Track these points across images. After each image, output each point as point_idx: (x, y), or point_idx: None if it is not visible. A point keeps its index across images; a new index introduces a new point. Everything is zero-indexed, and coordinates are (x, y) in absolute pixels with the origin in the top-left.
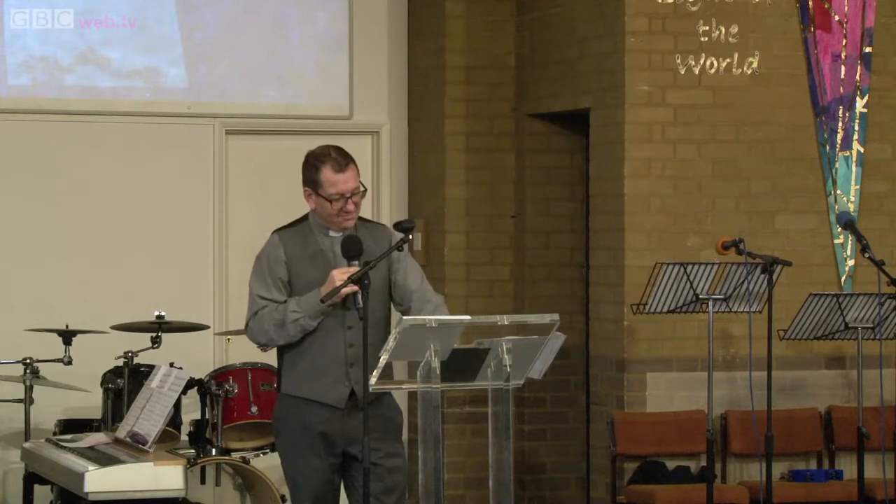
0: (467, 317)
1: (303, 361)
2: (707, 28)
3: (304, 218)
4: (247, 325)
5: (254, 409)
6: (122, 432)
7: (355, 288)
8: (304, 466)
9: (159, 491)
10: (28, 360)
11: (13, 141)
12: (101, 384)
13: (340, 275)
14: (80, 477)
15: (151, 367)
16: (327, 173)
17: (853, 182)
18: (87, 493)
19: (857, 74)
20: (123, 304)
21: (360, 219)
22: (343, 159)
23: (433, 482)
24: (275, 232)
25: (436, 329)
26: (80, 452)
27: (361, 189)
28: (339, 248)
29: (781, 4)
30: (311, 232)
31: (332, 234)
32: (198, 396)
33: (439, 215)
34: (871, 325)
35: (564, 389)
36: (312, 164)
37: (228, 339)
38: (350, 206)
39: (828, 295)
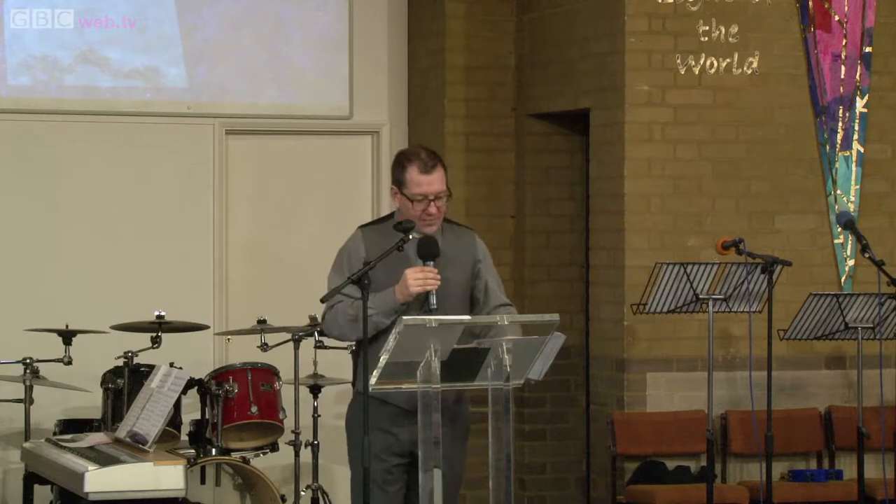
0: (467, 317)
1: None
2: (707, 28)
3: (391, 216)
4: (322, 317)
5: (254, 409)
6: (122, 432)
7: (430, 287)
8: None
9: (159, 491)
10: (28, 360)
11: (13, 141)
12: (101, 384)
13: (413, 274)
14: (80, 477)
15: (151, 367)
16: (413, 173)
17: (853, 182)
18: (87, 493)
19: (857, 74)
20: (123, 304)
21: (448, 220)
22: (431, 161)
23: (430, 482)
24: (360, 227)
25: (436, 329)
26: (80, 452)
27: (447, 193)
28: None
29: (781, 4)
30: (394, 230)
31: (413, 235)
32: (198, 396)
33: None
34: (871, 325)
35: (564, 389)
36: (400, 163)
37: (228, 339)
38: (432, 210)
39: (828, 295)
